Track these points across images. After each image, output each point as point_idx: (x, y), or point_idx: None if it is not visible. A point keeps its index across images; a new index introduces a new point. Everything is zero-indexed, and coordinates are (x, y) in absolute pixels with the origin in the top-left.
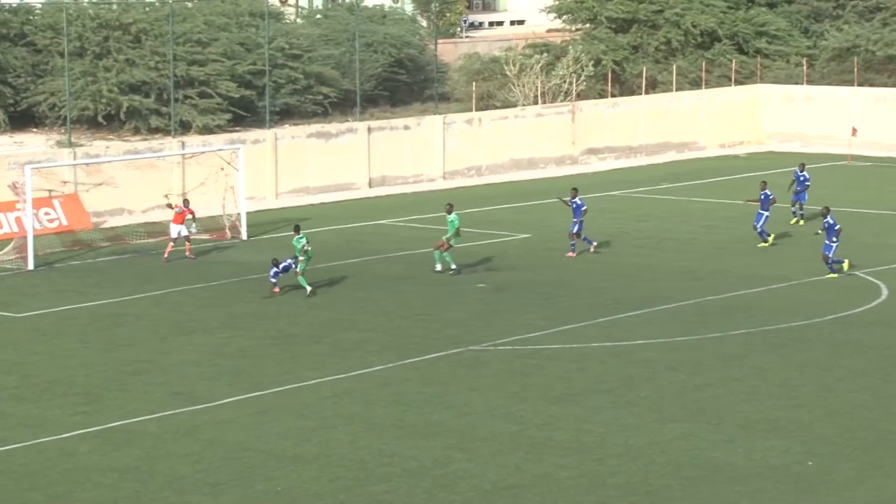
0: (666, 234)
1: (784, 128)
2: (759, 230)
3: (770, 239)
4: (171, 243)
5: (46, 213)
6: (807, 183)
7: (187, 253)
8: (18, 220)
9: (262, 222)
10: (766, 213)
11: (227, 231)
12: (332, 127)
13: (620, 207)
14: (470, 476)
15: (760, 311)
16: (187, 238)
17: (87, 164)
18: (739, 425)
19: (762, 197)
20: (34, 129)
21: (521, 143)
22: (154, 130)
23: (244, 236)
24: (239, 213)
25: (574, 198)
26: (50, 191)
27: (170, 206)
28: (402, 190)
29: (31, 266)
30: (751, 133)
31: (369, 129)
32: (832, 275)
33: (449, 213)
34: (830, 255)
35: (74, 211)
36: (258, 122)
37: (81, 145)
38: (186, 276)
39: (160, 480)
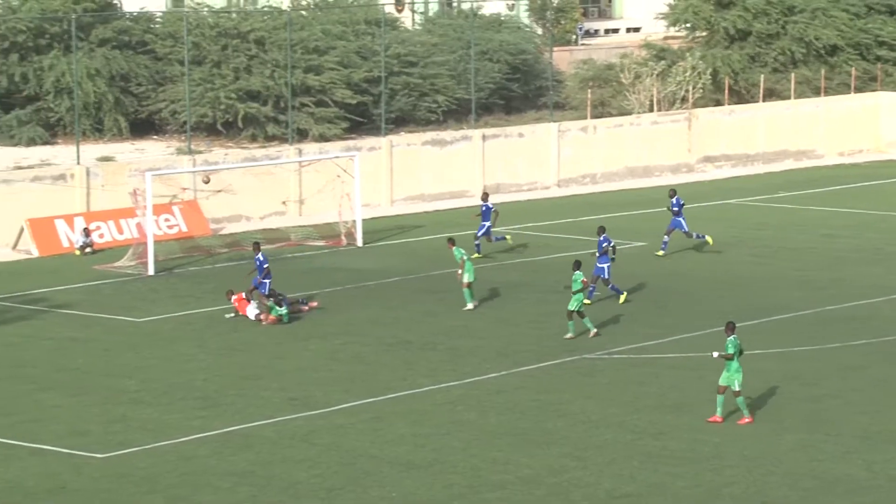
0: (783, 242)
1: None
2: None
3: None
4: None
5: (166, 220)
6: (674, 208)
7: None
8: (139, 227)
9: (377, 229)
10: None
11: (343, 238)
12: (447, 134)
13: (737, 216)
14: (584, 485)
15: (881, 321)
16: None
17: (206, 171)
18: (859, 437)
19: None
20: (155, 137)
21: (637, 151)
22: (271, 138)
23: (359, 243)
24: (354, 220)
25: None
26: (173, 196)
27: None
28: (516, 197)
29: (151, 272)
30: (871, 141)
31: (484, 137)
32: None
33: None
34: None
35: (194, 217)
36: (374, 130)
37: (200, 152)
38: (302, 282)
39: (276, 485)
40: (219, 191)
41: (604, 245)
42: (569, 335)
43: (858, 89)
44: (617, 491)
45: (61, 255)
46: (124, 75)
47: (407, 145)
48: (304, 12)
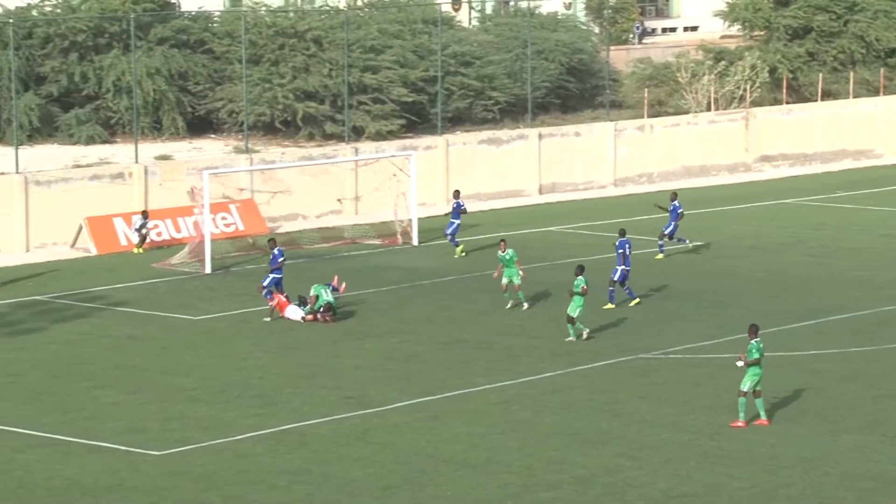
0: (841, 242)
1: None
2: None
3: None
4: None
5: (223, 218)
6: (679, 211)
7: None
8: (196, 225)
9: (432, 228)
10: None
11: (399, 237)
12: (504, 133)
13: (795, 215)
14: (640, 485)
15: None
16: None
17: (263, 170)
18: None
19: (671, 208)
20: (212, 135)
21: (693, 150)
22: (329, 136)
23: (415, 242)
24: (410, 219)
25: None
26: (241, 189)
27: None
28: (572, 197)
29: (208, 270)
30: None
31: (540, 136)
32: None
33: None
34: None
35: (250, 216)
36: (430, 129)
37: (258, 151)
38: (358, 281)
39: (332, 483)
40: (275, 193)
41: (619, 250)
42: (569, 338)
43: None
44: (673, 491)
45: (119, 253)
46: (183, 74)
47: (463, 144)
48: (360, 11)
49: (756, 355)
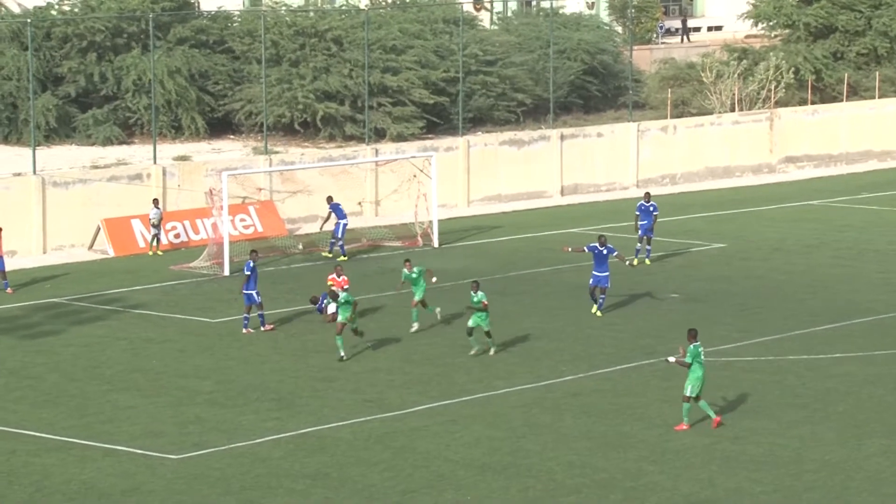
0: (866, 244)
1: None
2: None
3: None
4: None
5: (242, 220)
6: (654, 213)
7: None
8: (214, 226)
9: (453, 230)
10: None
11: (419, 238)
12: (525, 134)
13: (820, 217)
14: (661, 489)
15: None
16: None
17: (282, 172)
18: None
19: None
20: (231, 136)
21: (717, 151)
22: (349, 138)
23: (436, 244)
24: (431, 221)
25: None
26: (260, 189)
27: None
28: (594, 198)
29: (226, 272)
30: None
31: (562, 137)
32: None
33: (410, 270)
34: None
35: (269, 217)
36: (451, 130)
37: (277, 152)
38: (376, 283)
39: (350, 487)
40: (296, 191)
41: (606, 253)
42: (473, 351)
43: None
44: (695, 496)
45: (137, 255)
46: (202, 74)
47: (484, 145)
48: (381, 11)
49: (689, 359)
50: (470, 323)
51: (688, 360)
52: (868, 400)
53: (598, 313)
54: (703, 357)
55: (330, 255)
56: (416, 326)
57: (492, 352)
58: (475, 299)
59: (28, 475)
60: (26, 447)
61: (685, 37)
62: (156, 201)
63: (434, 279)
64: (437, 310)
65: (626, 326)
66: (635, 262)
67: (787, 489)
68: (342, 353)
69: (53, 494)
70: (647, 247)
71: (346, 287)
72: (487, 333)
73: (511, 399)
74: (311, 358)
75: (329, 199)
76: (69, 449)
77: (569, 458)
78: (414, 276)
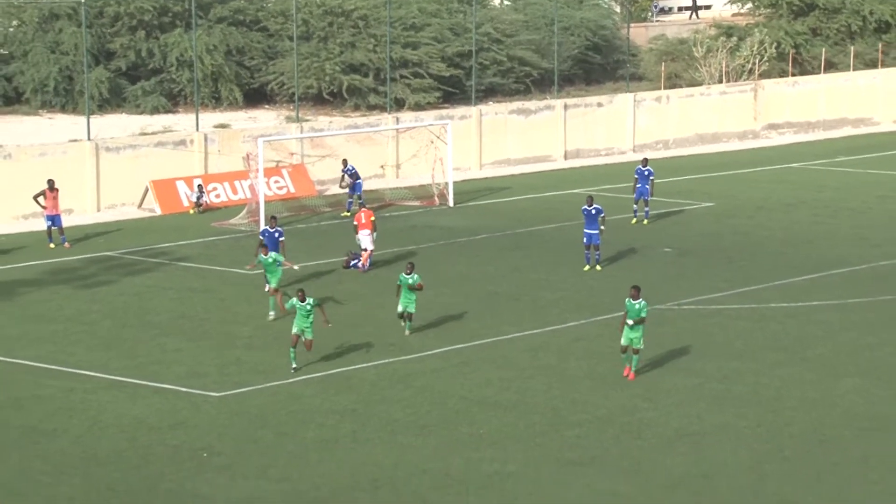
0: (842, 203)
1: None
2: None
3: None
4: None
5: (276, 181)
6: (651, 178)
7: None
8: (251, 188)
9: (467, 191)
10: None
11: (436, 199)
12: (532, 104)
13: (799, 178)
14: (654, 424)
15: None
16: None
17: (312, 138)
18: None
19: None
20: (266, 106)
21: (707, 119)
22: (372, 107)
23: (451, 203)
24: (446, 183)
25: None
26: (277, 162)
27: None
28: (594, 162)
29: (262, 226)
30: None
31: (566, 106)
32: None
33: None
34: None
35: (301, 179)
36: (465, 100)
37: (307, 120)
38: (399, 239)
39: (375, 422)
40: (324, 156)
41: (595, 213)
42: (406, 333)
43: None
44: (685, 430)
45: (181, 213)
46: (240, 49)
47: (495, 114)
48: None
49: (633, 315)
50: (400, 308)
51: (635, 316)
52: (843, 344)
53: (598, 267)
54: (644, 313)
55: (348, 214)
56: (272, 315)
57: (407, 332)
58: (410, 280)
59: (85, 410)
60: (83, 386)
61: (695, 13)
62: (200, 187)
63: (326, 323)
64: (296, 266)
65: (624, 278)
66: (633, 221)
67: (769, 424)
68: (294, 365)
69: (108, 428)
70: (646, 208)
71: (372, 219)
72: (410, 316)
73: (519, 343)
74: (340, 306)
75: (344, 162)
76: (122, 387)
77: (572, 396)
78: (269, 261)
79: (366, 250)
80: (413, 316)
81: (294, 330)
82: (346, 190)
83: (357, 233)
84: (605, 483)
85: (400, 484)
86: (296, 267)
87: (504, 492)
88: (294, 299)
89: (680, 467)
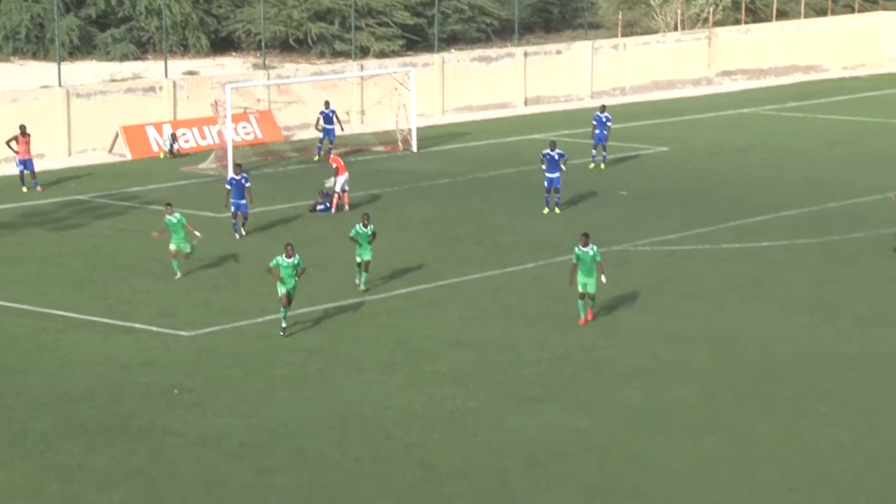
0: (792, 148)
1: None
2: None
3: None
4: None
5: (244, 127)
6: (608, 124)
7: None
8: (220, 133)
9: (430, 136)
10: None
11: (400, 144)
12: (493, 52)
13: (751, 124)
14: (611, 361)
15: (876, 217)
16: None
17: (278, 85)
18: (856, 318)
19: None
20: (233, 53)
21: (662, 66)
22: (337, 54)
23: (414, 149)
24: (410, 129)
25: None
26: (245, 108)
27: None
28: (554, 108)
29: (230, 174)
30: (871, 56)
31: (525, 54)
32: None
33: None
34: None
35: (268, 125)
36: (428, 48)
37: (274, 67)
38: (364, 183)
39: (341, 360)
40: (291, 102)
41: (557, 158)
42: (362, 288)
43: (861, 10)
44: (640, 366)
45: (151, 158)
46: None
47: (457, 62)
48: None
49: (587, 262)
50: (359, 258)
51: (583, 259)
52: (793, 283)
53: (557, 210)
54: (599, 258)
55: (317, 159)
56: (179, 275)
57: (361, 287)
58: (366, 232)
59: (57, 349)
60: (55, 325)
61: None
62: (173, 136)
63: (198, 234)
64: (198, 234)
65: (582, 221)
66: (591, 166)
67: (722, 361)
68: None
69: (79, 366)
70: (604, 153)
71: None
72: (367, 265)
73: (480, 284)
74: (308, 248)
75: (326, 104)
76: (93, 327)
77: (531, 335)
78: (174, 221)
79: (344, 192)
80: (370, 265)
81: (282, 290)
82: (321, 134)
83: (336, 176)
84: (564, 418)
85: (366, 420)
86: (198, 234)
87: (466, 427)
88: (280, 256)
89: (636, 402)
